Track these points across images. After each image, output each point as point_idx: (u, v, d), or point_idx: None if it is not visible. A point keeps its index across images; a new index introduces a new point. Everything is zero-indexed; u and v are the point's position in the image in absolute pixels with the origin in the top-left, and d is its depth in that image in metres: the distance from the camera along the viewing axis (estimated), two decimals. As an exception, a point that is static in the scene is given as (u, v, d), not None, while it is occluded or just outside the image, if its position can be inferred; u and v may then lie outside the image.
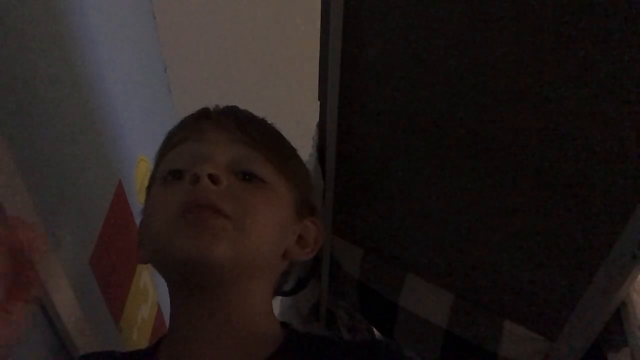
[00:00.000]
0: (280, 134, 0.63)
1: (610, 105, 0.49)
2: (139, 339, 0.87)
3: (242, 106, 0.64)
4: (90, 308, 0.66)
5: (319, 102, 0.73)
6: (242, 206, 0.52)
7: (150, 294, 0.93)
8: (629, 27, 0.45)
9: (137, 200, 0.86)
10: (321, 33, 0.66)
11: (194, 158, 0.55)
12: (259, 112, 0.64)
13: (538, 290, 0.63)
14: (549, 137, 0.54)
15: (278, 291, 0.64)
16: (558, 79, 0.50)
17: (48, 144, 0.60)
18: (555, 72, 0.50)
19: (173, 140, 0.60)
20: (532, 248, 0.61)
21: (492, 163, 0.59)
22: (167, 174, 0.56)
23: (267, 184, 0.56)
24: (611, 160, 0.51)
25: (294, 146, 0.64)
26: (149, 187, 0.62)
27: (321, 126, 0.74)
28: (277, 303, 0.91)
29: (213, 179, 0.52)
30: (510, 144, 0.57)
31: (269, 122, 0.64)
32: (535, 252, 0.61)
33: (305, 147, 0.73)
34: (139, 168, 0.89)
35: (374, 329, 0.92)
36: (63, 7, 0.63)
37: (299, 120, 0.66)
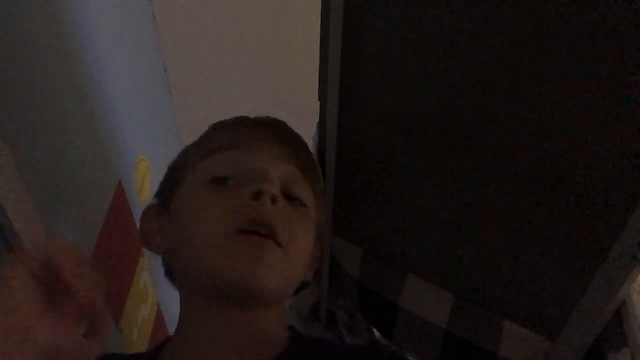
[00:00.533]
0: (314, 157, 0.65)
1: (610, 105, 0.49)
2: (139, 339, 0.87)
3: (242, 106, 0.64)
4: (90, 308, 0.66)
5: (319, 102, 0.72)
6: (289, 233, 0.53)
7: (150, 294, 0.93)
8: (629, 27, 0.45)
9: (137, 200, 0.86)
10: (321, 33, 0.66)
11: (249, 171, 0.55)
12: (258, 112, 0.64)
13: (538, 290, 0.63)
14: (550, 137, 0.54)
15: None
16: (558, 78, 0.50)
17: (48, 144, 0.60)
18: (555, 72, 0.50)
19: (219, 142, 0.59)
20: (532, 248, 0.61)
21: (492, 163, 0.59)
22: (212, 177, 0.55)
23: (307, 210, 0.57)
24: (611, 160, 0.51)
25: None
26: (174, 179, 0.60)
27: (321, 126, 0.74)
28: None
29: (273, 199, 0.52)
30: (511, 144, 0.57)
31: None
32: (535, 252, 0.61)
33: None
34: (139, 168, 0.89)
35: (374, 329, 0.92)
36: (63, 7, 0.63)
37: (299, 121, 0.66)
